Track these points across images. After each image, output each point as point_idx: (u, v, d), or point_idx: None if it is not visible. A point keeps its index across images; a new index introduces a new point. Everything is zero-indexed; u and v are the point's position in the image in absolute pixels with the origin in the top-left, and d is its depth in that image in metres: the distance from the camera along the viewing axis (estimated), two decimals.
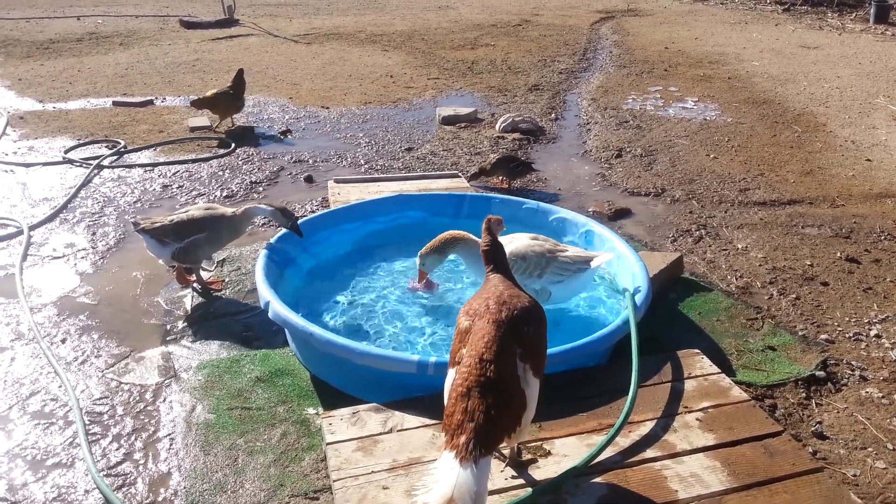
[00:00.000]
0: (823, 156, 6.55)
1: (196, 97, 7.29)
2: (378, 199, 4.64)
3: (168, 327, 3.79)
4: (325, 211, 4.52)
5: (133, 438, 2.97)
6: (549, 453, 2.61)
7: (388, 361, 2.91)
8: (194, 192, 5.65)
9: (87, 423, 3.04)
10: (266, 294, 3.36)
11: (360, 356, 2.92)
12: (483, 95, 8.75)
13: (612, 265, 3.92)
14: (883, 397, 3.24)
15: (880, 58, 10.68)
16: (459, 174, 5.68)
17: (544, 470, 2.52)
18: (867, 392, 3.27)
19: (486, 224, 2.68)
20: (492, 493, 2.39)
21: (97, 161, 6.17)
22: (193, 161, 6.32)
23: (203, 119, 7.35)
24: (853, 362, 3.50)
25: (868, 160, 6.41)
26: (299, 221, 4.07)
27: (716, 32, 13.05)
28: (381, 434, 2.70)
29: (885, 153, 6.58)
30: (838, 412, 3.15)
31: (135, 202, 5.46)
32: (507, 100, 8.54)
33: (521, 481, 2.46)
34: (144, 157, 6.50)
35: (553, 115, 7.91)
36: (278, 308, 3.23)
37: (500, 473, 2.49)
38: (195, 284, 4.16)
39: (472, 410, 2.07)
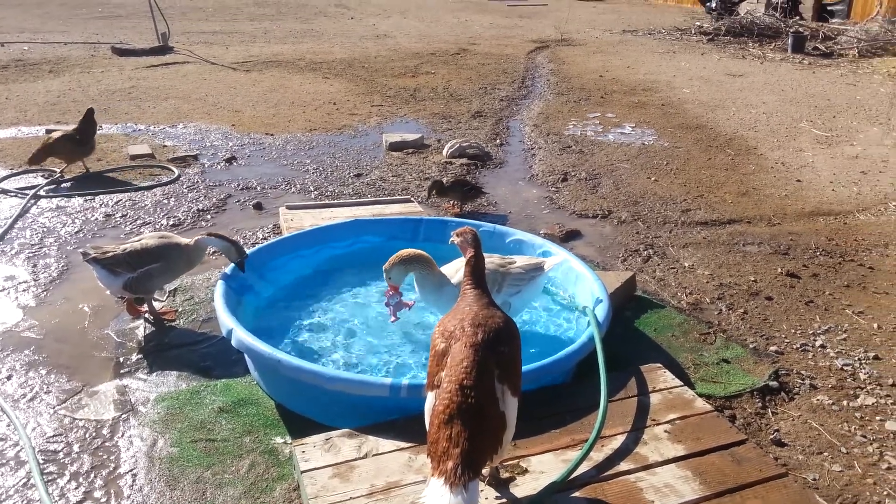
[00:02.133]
0: (757, 177, 6.86)
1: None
2: (334, 225, 4.61)
3: (121, 360, 3.66)
4: (282, 237, 4.46)
5: (93, 476, 2.84)
6: (526, 471, 2.62)
7: (360, 386, 2.87)
8: (139, 221, 5.50)
9: (42, 462, 2.89)
10: (228, 322, 3.28)
11: (331, 381, 2.88)
12: (428, 122, 8.83)
13: (571, 285, 4.00)
14: (833, 404, 3.39)
15: (800, 85, 11.29)
16: (412, 199, 5.71)
17: (523, 487, 2.54)
18: (818, 399, 3.42)
19: (473, 237, 2.67)
20: None
21: (34, 191, 5.94)
22: (136, 189, 6.15)
23: (144, 147, 7.17)
24: (803, 372, 3.65)
25: (798, 181, 6.74)
26: (256, 248, 4.01)
27: (646, 61, 13.56)
28: (356, 459, 2.67)
29: (814, 174, 6.94)
30: (793, 420, 3.28)
31: (76, 232, 5.27)
32: (451, 126, 8.65)
33: (503, 500, 2.47)
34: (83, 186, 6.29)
35: (498, 140, 8.04)
36: (242, 336, 3.16)
37: (480, 493, 2.48)
38: (147, 315, 4.03)
39: (457, 436, 2.09)
